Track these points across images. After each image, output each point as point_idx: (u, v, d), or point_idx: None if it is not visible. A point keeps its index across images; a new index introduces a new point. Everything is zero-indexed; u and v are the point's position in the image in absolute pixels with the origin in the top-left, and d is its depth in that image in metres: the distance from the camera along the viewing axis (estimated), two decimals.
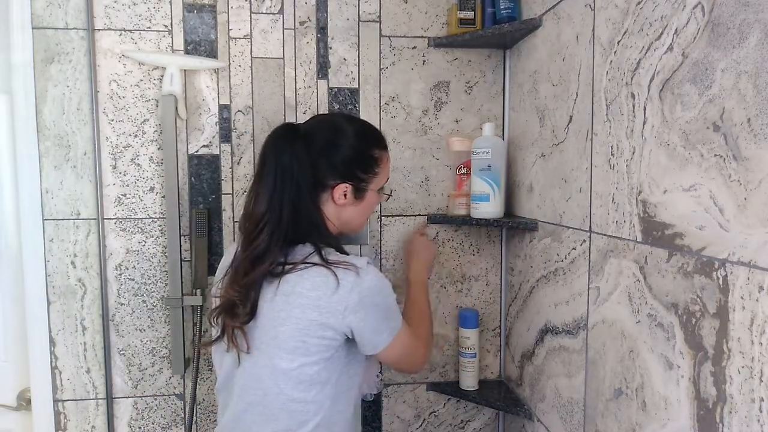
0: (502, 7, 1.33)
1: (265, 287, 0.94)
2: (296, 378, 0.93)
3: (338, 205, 1.03)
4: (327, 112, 1.41)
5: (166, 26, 1.35)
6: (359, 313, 0.92)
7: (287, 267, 0.93)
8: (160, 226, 1.38)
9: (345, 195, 1.02)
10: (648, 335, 0.82)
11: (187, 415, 1.40)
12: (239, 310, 0.95)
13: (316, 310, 0.91)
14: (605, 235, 0.95)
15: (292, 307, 0.92)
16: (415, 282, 1.28)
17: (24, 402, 1.40)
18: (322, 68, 1.41)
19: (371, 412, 1.49)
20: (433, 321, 1.22)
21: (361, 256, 1.07)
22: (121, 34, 1.34)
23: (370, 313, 0.94)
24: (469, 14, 1.38)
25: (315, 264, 0.93)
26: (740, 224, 0.64)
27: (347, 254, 0.99)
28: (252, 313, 0.94)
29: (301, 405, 0.94)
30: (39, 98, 1.32)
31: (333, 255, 0.96)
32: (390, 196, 1.30)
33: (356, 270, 0.93)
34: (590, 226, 1.01)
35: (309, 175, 0.98)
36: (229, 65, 1.38)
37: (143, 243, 1.37)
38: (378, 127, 1.11)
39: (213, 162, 1.39)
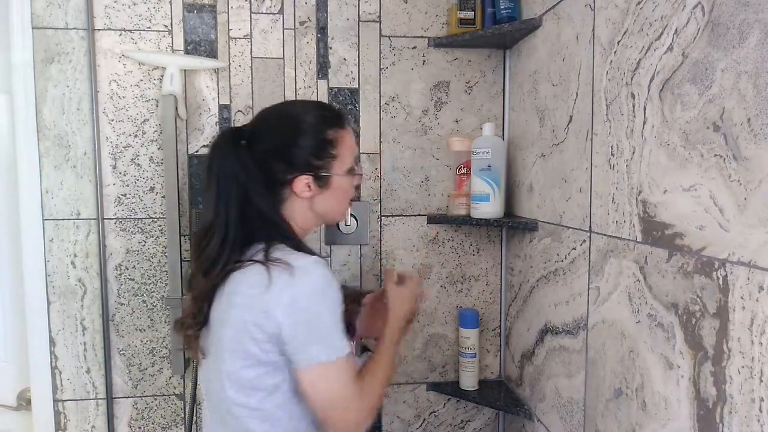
0: (502, 7, 1.33)
1: (218, 288, 0.92)
2: (237, 381, 0.88)
3: (304, 198, 0.96)
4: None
5: (166, 26, 1.35)
6: (289, 317, 0.84)
7: (236, 265, 0.89)
8: (160, 226, 1.38)
9: (308, 186, 0.95)
10: (648, 335, 0.82)
11: (187, 415, 1.40)
12: (191, 320, 0.95)
13: (250, 310, 0.85)
14: (605, 235, 0.95)
15: (231, 306, 0.88)
16: (389, 330, 1.05)
17: (24, 402, 1.40)
18: (322, 68, 1.41)
19: None
20: (384, 388, 0.98)
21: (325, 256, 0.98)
22: (121, 34, 1.34)
23: (301, 321, 0.84)
24: (469, 14, 1.38)
25: (256, 261, 0.87)
26: (740, 224, 0.64)
27: (309, 252, 0.91)
28: (203, 322, 0.92)
29: (245, 410, 0.88)
30: (39, 98, 1.32)
31: (279, 252, 0.88)
32: (362, 175, 1.12)
33: (291, 270, 0.84)
34: (590, 226, 1.01)
35: (259, 177, 0.92)
36: (229, 65, 1.38)
37: (143, 243, 1.37)
38: (331, 105, 1.02)
39: None
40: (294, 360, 0.86)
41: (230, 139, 0.94)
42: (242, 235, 0.91)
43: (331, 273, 0.88)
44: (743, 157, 0.63)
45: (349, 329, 0.98)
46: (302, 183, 0.94)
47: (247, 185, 0.91)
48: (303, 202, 0.96)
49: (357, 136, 1.43)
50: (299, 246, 0.93)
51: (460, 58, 1.45)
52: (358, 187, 1.03)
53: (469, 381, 1.44)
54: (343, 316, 0.92)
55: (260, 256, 0.87)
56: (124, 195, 1.36)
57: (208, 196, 0.93)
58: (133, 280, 1.38)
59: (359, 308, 1.15)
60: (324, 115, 0.99)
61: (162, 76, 1.33)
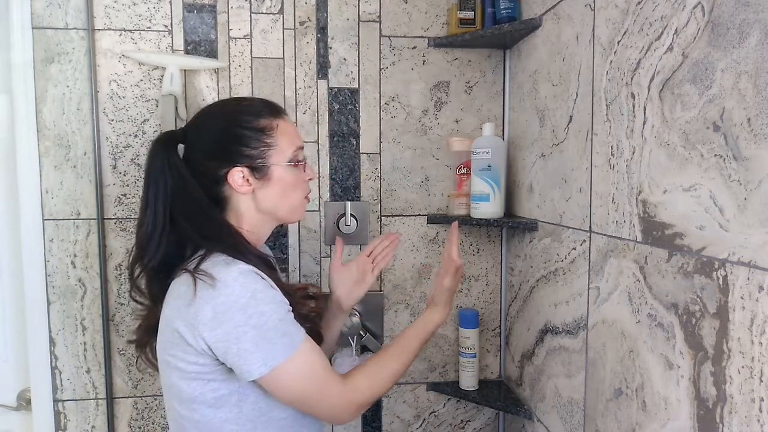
0: (502, 7, 1.33)
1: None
2: (177, 394, 0.86)
3: (245, 194, 0.91)
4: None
5: (166, 26, 1.35)
6: (215, 330, 0.80)
7: (180, 272, 0.86)
8: None
9: (247, 180, 0.90)
10: (648, 335, 0.82)
11: None
12: (138, 331, 0.96)
13: (175, 321, 0.83)
14: (605, 235, 0.95)
15: (164, 315, 0.86)
16: (431, 316, 1.04)
17: (24, 402, 1.40)
18: (322, 68, 1.41)
19: (371, 412, 1.49)
20: (394, 376, 0.96)
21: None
22: (121, 34, 1.34)
23: (230, 333, 0.80)
24: (469, 14, 1.38)
25: (186, 271, 0.84)
26: (740, 224, 0.64)
27: (249, 259, 0.87)
28: (152, 326, 0.93)
29: (191, 423, 0.86)
30: (39, 98, 1.32)
31: (211, 261, 0.84)
32: (306, 165, 0.99)
33: (213, 283, 0.80)
34: (590, 226, 1.01)
35: (190, 178, 0.90)
36: (229, 65, 1.38)
37: None
38: (270, 100, 0.98)
39: None
40: (239, 374, 0.82)
41: (162, 141, 0.93)
42: (174, 234, 0.90)
43: (261, 280, 0.84)
44: (743, 157, 0.63)
45: (314, 332, 0.95)
46: (238, 176, 0.90)
47: (173, 186, 0.89)
48: (246, 200, 0.92)
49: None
50: (240, 252, 0.88)
51: (460, 58, 1.45)
52: (308, 182, 1.00)
53: (469, 381, 1.44)
54: (305, 316, 0.91)
55: (192, 265, 0.85)
56: (124, 195, 1.36)
57: (141, 203, 0.92)
58: None
59: (320, 304, 1.09)
60: (258, 105, 0.95)
61: (162, 76, 1.33)
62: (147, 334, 0.95)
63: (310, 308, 0.95)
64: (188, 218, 0.89)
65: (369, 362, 0.95)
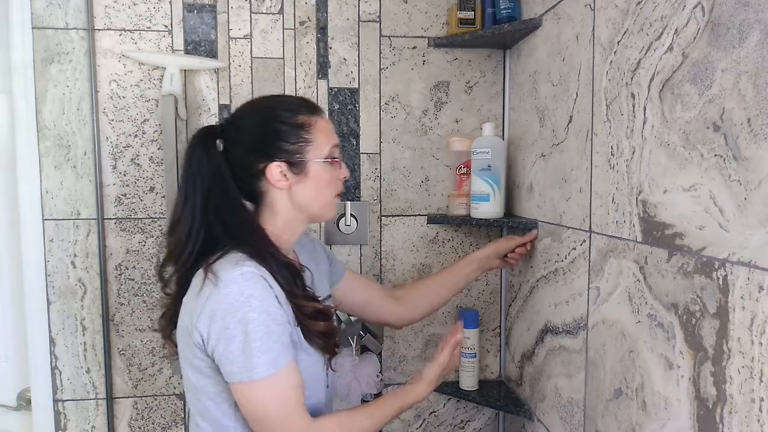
0: (502, 7, 1.33)
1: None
2: (188, 384, 0.91)
3: (281, 189, 0.92)
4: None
5: (166, 26, 1.35)
6: (209, 327, 0.82)
7: (201, 267, 0.88)
8: (160, 226, 1.38)
9: (284, 175, 0.91)
10: (648, 335, 0.82)
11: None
12: (163, 321, 0.98)
13: (186, 315, 0.87)
14: (605, 235, 0.95)
15: (180, 310, 0.90)
16: (414, 389, 1.02)
17: (24, 402, 1.40)
18: (322, 68, 1.41)
19: None
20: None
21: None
22: (121, 34, 1.34)
23: (220, 333, 0.81)
24: (469, 14, 1.38)
25: (203, 267, 0.86)
26: (740, 224, 0.64)
27: (264, 260, 0.87)
28: (167, 321, 0.95)
29: (198, 415, 0.91)
30: (39, 98, 1.32)
31: (226, 259, 0.86)
32: (341, 163, 1.00)
33: (216, 281, 0.82)
34: (590, 226, 1.01)
35: (226, 170, 0.91)
36: (229, 65, 1.38)
37: (143, 243, 1.37)
38: (309, 99, 1.01)
39: None
40: (222, 373, 0.84)
41: (200, 135, 0.94)
42: (206, 230, 0.90)
43: (262, 285, 0.83)
44: (743, 157, 0.63)
45: (326, 349, 0.95)
46: (276, 170, 0.91)
47: (210, 181, 0.91)
48: (282, 195, 0.93)
49: (358, 138, 1.43)
50: (261, 256, 0.87)
51: (460, 58, 1.45)
52: (343, 181, 1.01)
53: (469, 381, 1.44)
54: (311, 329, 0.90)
55: (211, 261, 0.86)
56: (124, 195, 1.36)
57: (178, 197, 0.93)
58: (133, 280, 1.38)
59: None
60: (296, 102, 0.98)
61: (162, 76, 1.33)
62: (170, 324, 0.96)
63: (321, 327, 0.93)
64: (218, 214, 0.90)
65: (344, 412, 0.94)
